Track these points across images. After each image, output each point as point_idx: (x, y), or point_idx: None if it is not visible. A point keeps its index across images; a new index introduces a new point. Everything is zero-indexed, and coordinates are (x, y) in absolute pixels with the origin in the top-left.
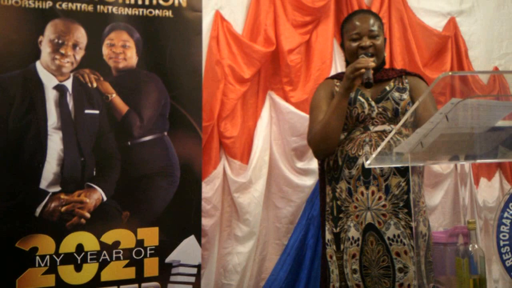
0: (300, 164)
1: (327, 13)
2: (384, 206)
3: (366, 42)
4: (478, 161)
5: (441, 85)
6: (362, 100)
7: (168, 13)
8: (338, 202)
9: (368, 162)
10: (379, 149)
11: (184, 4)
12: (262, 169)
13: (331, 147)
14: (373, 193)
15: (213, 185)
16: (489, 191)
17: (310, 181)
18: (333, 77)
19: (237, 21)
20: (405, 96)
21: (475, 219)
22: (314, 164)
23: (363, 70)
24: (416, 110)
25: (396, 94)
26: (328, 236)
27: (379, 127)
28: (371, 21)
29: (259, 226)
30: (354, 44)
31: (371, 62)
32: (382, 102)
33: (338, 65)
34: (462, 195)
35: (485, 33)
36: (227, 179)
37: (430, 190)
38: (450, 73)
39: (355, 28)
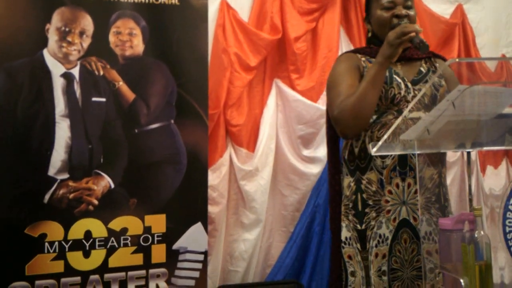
0: (306, 152)
1: (334, 1)
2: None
3: (401, 11)
4: (485, 148)
5: None
6: (399, 80)
7: (174, 1)
8: (364, 195)
9: (375, 149)
10: (386, 135)
11: None
12: (268, 157)
13: (363, 124)
14: (409, 185)
15: (219, 172)
16: (495, 179)
17: (316, 169)
18: (354, 51)
19: (243, 9)
20: (443, 82)
21: (481, 206)
22: (320, 152)
23: (413, 34)
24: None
25: (436, 79)
26: (347, 234)
27: (414, 114)
28: None
29: (265, 214)
30: (388, 13)
31: (418, 27)
32: (419, 85)
33: None
34: (468, 182)
35: (493, 21)
36: (233, 167)
37: None
38: (457, 60)
39: None
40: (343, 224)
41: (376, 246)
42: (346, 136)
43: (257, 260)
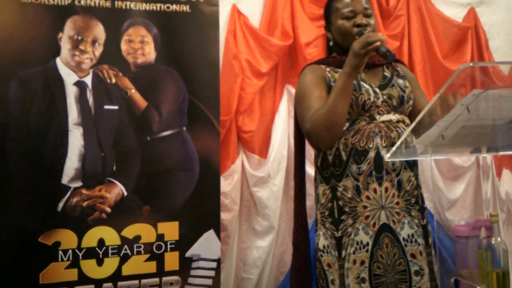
0: None
1: None
2: (397, 203)
3: (362, 20)
4: (501, 153)
5: (462, 76)
6: (367, 86)
7: (186, 8)
8: (341, 203)
9: (388, 155)
10: (399, 141)
11: None
12: (280, 163)
13: (336, 135)
14: (386, 189)
15: (231, 179)
16: (511, 182)
17: None
18: (318, 62)
19: (254, 15)
20: (407, 83)
21: (497, 212)
22: None
23: (378, 43)
24: (414, 100)
25: (400, 81)
26: (325, 242)
27: (385, 117)
28: (363, 0)
29: (278, 220)
30: (349, 23)
31: (382, 36)
32: (387, 89)
33: None
34: (484, 188)
35: (506, 24)
36: (245, 173)
37: (451, 183)
38: (471, 64)
39: (349, 6)
40: (320, 232)
41: (354, 252)
42: (320, 149)
43: (270, 267)
